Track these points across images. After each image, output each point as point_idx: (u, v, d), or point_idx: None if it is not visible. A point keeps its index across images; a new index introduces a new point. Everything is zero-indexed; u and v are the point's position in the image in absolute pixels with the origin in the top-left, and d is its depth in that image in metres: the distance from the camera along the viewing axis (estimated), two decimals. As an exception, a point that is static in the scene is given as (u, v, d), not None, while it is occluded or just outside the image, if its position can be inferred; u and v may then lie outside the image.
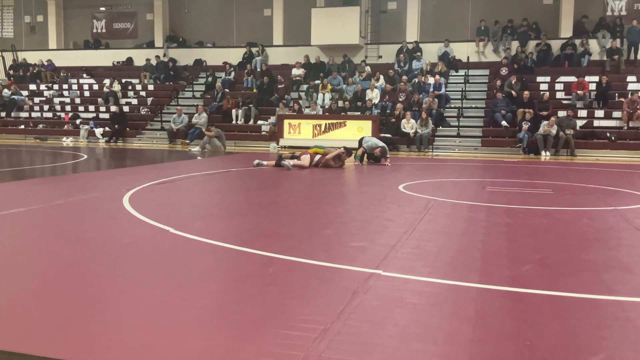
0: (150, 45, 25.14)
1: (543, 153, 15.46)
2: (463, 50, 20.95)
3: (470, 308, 2.91)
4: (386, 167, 11.35)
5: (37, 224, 5.22)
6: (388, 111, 18.15)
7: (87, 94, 23.43)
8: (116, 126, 19.73)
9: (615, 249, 4.37)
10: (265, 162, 11.01)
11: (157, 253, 4.07)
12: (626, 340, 2.57)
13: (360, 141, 12.41)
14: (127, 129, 20.13)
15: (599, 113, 17.08)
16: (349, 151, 11.26)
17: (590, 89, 17.65)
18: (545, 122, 15.71)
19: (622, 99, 17.03)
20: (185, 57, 24.17)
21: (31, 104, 23.10)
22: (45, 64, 25.08)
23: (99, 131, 20.20)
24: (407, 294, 3.11)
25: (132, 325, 2.63)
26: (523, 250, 4.24)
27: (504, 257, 4.03)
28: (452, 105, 18.57)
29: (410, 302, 2.97)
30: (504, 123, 16.82)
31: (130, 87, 23.03)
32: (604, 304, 3.06)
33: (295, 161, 10.89)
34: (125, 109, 21.42)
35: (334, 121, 17.22)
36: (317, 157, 11.00)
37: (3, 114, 22.60)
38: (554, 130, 15.48)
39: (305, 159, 10.89)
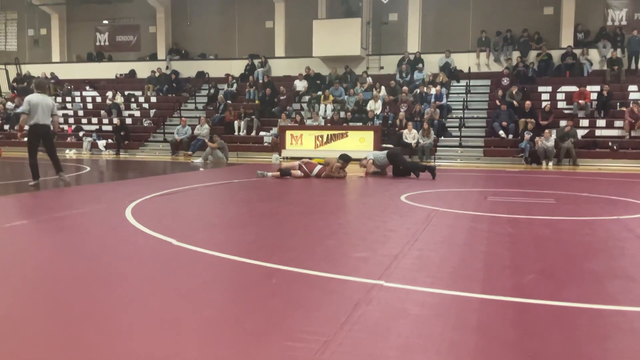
0: (153, 57, 25.30)
1: (544, 163, 15.46)
2: (464, 61, 21.05)
3: (473, 318, 2.90)
4: (385, 177, 11.31)
5: (40, 237, 5.23)
6: (390, 122, 18.20)
7: (90, 106, 23.56)
8: (122, 133, 19.85)
9: (619, 259, 4.35)
10: (269, 173, 11.03)
11: (160, 265, 4.07)
12: (630, 350, 2.55)
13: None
14: (126, 142, 20.17)
15: (601, 122, 17.11)
16: (346, 158, 11.04)
17: (591, 98, 17.69)
18: (540, 137, 15.68)
19: (624, 109, 17.07)
20: (187, 69, 24.31)
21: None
22: (49, 76, 25.23)
23: (102, 143, 20.29)
24: (410, 305, 3.10)
25: (135, 337, 2.63)
26: (526, 260, 4.23)
27: (507, 267, 4.02)
28: (454, 116, 18.63)
29: (413, 313, 2.97)
30: (501, 133, 16.85)
31: (133, 100, 23.13)
32: (608, 314, 3.04)
33: (304, 161, 11.25)
34: (128, 121, 21.52)
35: (336, 132, 17.29)
36: (319, 167, 11.01)
37: (7, 127, 22.69)
38: (549, 143, 15.46)
39: (311, 166, 11.00)
